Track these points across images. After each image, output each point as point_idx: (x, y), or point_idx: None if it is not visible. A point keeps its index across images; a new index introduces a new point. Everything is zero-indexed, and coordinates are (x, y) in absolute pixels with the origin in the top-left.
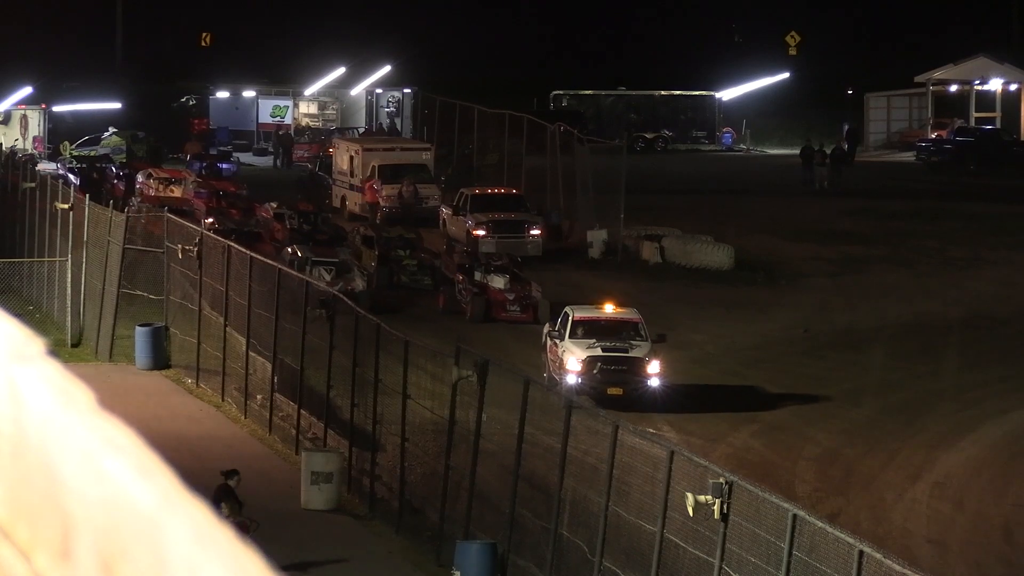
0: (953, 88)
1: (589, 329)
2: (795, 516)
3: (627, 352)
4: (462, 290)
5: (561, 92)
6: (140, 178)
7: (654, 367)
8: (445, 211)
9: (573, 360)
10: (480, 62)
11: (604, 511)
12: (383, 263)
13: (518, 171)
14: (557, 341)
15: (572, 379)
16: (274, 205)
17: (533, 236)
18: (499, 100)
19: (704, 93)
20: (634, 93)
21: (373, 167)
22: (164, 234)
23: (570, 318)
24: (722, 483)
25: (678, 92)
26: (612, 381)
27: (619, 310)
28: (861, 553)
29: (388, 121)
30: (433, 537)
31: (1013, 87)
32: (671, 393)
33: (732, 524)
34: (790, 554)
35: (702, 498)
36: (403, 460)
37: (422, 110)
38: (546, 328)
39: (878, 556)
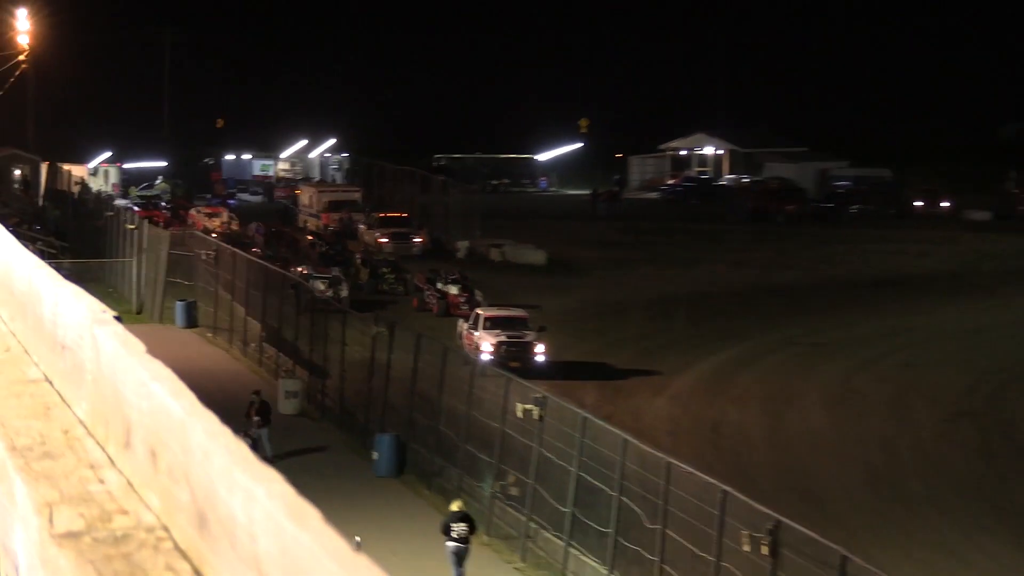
0: (682, 152)
1: (494, 323)
2: (584, 419)
3: (522, 338)
4: (429, 295)
5: (440, 155)
6: (192, 212)
7: (540, 348)
8: (362, 227)
9: (487, 344)
10: (390, 136)
11: (467, 414)
12: (372, 276)
13: (414, 205)
14: (473, 332)
15: (486, 357)
16: (309, 237)
17: (416, 243)
18: (402, 160)
19: (529, 156)
20: (486, 156)
21: (325, 202)
22: (194, 246)
23: (481, 316)
24: (540, 396)
25: (513, 155)
26: (512, 358)
27: (512, 310)
28: (625, 440)
29: (333, 174)
30: (360, 431)
31: (720, 151)
32: (551, 366)
33: (547, 423)
34: (582, 441)
35: (528, 407)
36: (343, 383)
37: (354, 167)
38: (460, 323)
39: (635, 442)
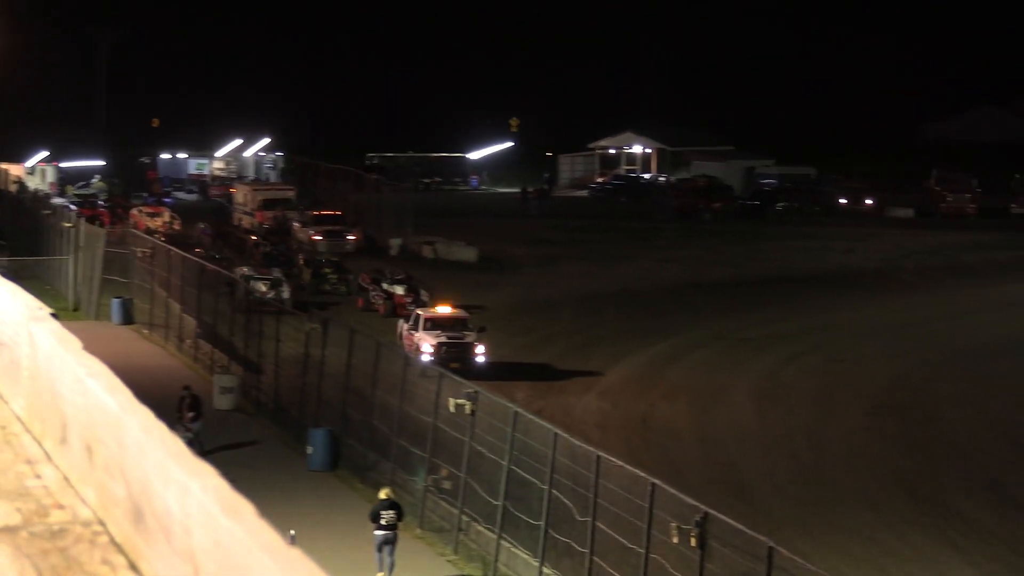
0: (611, 151)
1: (434, 323)
2: (515, 413)
3: (463, 339)
4: (375, 295)
5: (373, 154)
6: (134, 212)
7: (480, 349)
8: (296, 225)
9: (427, 345)
10: (323, 135)
11: (399, 409)
12: (315, 277)
13: (347, 203)
14: (413, 332)
15: (426, 358)
16: (253, 237)
17: (350, 240)
18: (335, 159)
19: (460, 155)
20: (418, 155)
21: (259, 201)
22: (131, 243)
23: (421, 317)
24: (472, 391)
25: (444, 154)
26: (453, 358)
27: (453, 310)
28: (555, 434)
29: (267, 173)
30: (294, 426)
31: (648, 150)
32: (491, 367)
33: (478, 416)
34: (513, 435)
35: (459, 401)
36: (277, 379)
37: (289, 166)
38: (400, 324)
39: (565, 436)
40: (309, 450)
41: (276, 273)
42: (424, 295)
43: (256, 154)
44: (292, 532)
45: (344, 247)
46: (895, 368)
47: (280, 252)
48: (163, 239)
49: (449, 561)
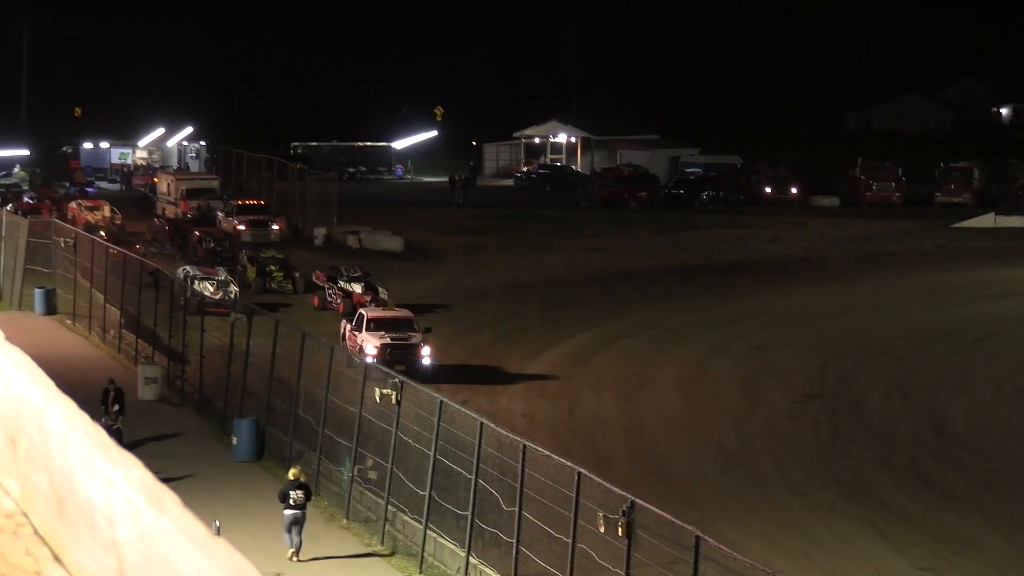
0: (537, 140)
1: (378, 324)
2: (441, 402)
3: (408, 340)
4: (332, 294)
5: (297, 143)
6: (72, 205)
7: (426, 351)
8: (221, 215)
9: (370, 347)
10: (248, 123)
11: (325, 399)
12: (259, 275)
13: (271, 192)
14: (356, 333)
15: (370, 360)
16: (197, 233)
17: (274, 230)
18: (259, 148)
19: (385, 144)
20: (342, 144)
21: (183, 190)
22: (53, 233)
23: (365, 317)
24: (397, 381)
25: (369, 143)
26: (398, 360)
27: (397, 311)
28: (481, 424)
29: (190, 162)
30: (219, 417)
31: (573, 139)
32: (437, 369)
33: (404, 407)
34: (439, 425)
35: (386, 391)
36: (202, 369)
37: (212, 155)
38: (344, 324)
39: (492, 425)
40: (234, 440)
41: (222, 273)
42: (383, 293)
43: (179, 143)
44: (217, 523)
45: (268, 237)
46: (821, 357)
47: (224, 249)
48: (104, 236)
49: (376, 552)
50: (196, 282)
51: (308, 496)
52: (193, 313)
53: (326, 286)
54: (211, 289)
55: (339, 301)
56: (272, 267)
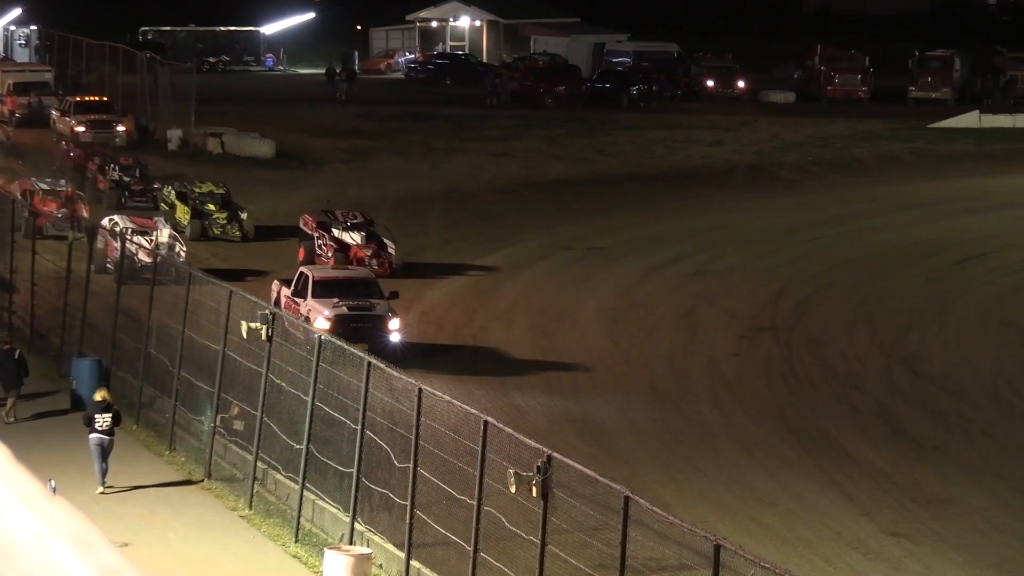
0: (434, 24)
1: (330, 287)
2: (320, 339)
3: (371, 310)
4: (323, 246)
5: (147, 28)
6: None
7: (395, 324)
8: (55, 114)
9: (321, 320)
10: (88, 5)
11: (181, 335)
12: (195, 217)
13: (115, 87)
14: (299, 300)
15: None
16: (96, 160)
17: (119, 132)
18: (101, 34)
19: (252, 29)
20: (201, 29)
21: (9, 84)
22: None
23: (310, 279)
24: (267, 314)
25: (233, 28)
26: (359, 337)
27: (352, 269)
28: (369, 363)
29: (18, 50)
30: (55, 356)
31: (477, 23)
32: (408, 346)
33: (275, 344)
34: (317, 365)
35: (254, 325)
36: (33, 299)
37: (45, 42)
38: (276, 286)
39: (381, 365)
40: (73, 384)
41: (163, 224)
42: (390, 246)
43: (5, 28)
44: (52, 482)
45: (112, 140)
46: (773, 282)
47: (136, 180)
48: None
49: (242, 516)
50: (129, 235)
51: (117, 421)
52: (27, 236)
53: (316, 234)
54: (148, 246)
55: (330, 255)
56: (211, 205)
